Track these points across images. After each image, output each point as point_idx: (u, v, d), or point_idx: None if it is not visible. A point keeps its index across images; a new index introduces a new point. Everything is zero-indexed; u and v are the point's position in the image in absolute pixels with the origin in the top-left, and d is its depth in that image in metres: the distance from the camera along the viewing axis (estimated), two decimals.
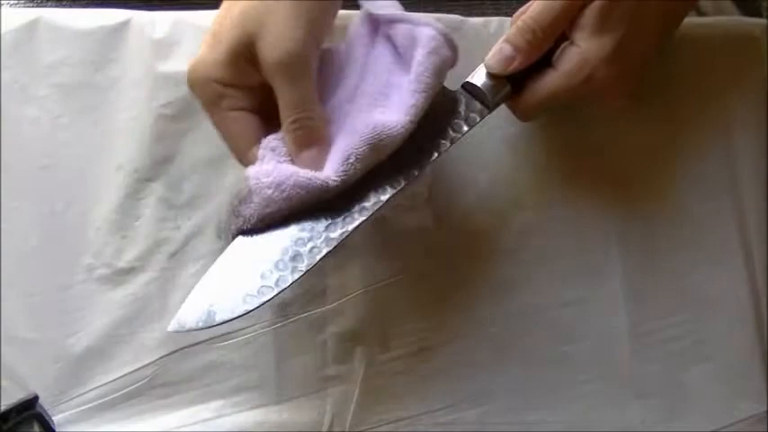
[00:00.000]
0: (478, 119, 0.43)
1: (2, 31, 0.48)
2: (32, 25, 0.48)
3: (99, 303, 0.49)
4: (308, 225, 0.41)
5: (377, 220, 0.43)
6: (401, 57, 0.44)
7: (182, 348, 0.48)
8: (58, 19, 0.48)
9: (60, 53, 0.48)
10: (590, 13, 0.42)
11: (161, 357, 0.48)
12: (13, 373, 0.48)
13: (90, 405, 0.48)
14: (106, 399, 0.48)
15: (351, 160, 0.40)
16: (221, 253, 0.41)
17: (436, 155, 0.42)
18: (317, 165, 0.41)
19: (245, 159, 0.42)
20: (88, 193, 0.49)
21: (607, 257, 0.51)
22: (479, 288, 0.50)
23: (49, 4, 0.50)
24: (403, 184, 0.42)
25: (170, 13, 0.49)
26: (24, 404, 0.46)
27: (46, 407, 0.47)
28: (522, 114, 0.45)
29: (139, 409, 0.48)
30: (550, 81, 0.43)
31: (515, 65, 0.42)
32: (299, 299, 0.48)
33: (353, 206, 0.41)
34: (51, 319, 0.48)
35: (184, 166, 0.49)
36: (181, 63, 0.48)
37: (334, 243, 0.40)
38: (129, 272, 0.49)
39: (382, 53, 0.44)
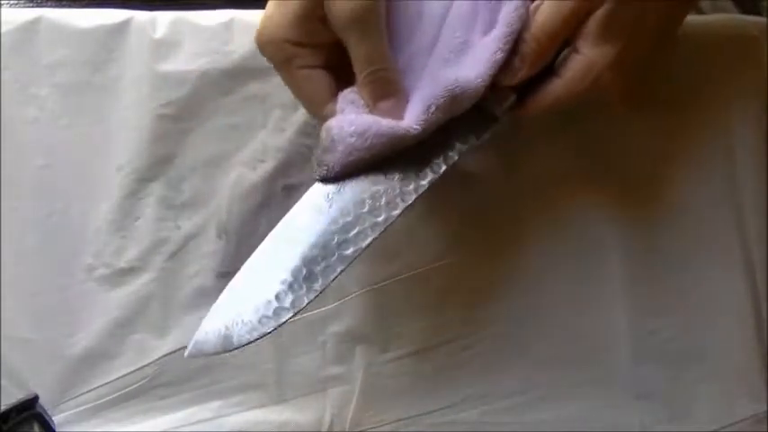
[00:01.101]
0: (486, 129, 0.43)
1: (2, 31, 0.47)
2: (32, 25, 0.48)
3: (99, 303, 0.49)
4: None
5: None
6: (480, 14, 0.43)
7: (182, 348, 0.48)
8: (58, 19, 0.48)
9: (60, 53, 0.48)
10: (594, 22, 0.42)
11: (161, 357, 0.48)
12: (13, 373, 0.48)
13: (90, 405, 0.48)
14: (106, 399, 0.48)
15: (432, 109, 0.40)
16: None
17: (445, 167, 0.42)
18: (396, 115, 0.41)
19: (320, 117, 0.42)
20: (88, 193, 0.49)
21: (607, 258, 0.51)
22: (479, 288, 0.50)
23: (49, 3, 0.50)
24: (414, 196, 0.41)
25: (170, 12, 0.49)
26: (24, 404, 0.46)
27: (46, 407, 0.47)
28: (528, 115, 0.45)
29: (139, 409, 0.49)
30: (555, 89, 0.43)
31: (522, 75, 0.42)
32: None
33: (364, 222, 0.41)
34: (51, 319, 0.48)
35: (184, 166, 0.49)
36: (181, 63, 0.48)
37: (347, 261, 0.40)
38: (129, 272, 0.49)
39: (462, 9, 0.43)
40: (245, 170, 0.49)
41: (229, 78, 0.48)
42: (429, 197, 0.46)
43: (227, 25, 0.48)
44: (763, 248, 0.52)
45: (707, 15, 0.55)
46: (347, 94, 0.42)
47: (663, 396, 0.51)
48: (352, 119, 0.40)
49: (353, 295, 0.49)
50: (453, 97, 0.40)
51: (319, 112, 0.42)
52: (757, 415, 0.52)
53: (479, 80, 0.41)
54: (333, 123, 0.41)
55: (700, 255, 0.52)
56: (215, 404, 0.49)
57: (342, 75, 0.42)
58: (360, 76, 0.41)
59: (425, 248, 0.49)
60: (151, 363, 0.48)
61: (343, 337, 0.49)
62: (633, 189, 0.51)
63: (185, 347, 0.48)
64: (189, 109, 0.48)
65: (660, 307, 0.51)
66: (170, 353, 0.48)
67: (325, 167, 0.41)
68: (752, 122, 0.52)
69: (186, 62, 0.48)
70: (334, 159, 0.41)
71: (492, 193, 0.50)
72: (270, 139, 0.49)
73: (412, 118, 0.41)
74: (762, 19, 0.54)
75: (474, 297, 0.50)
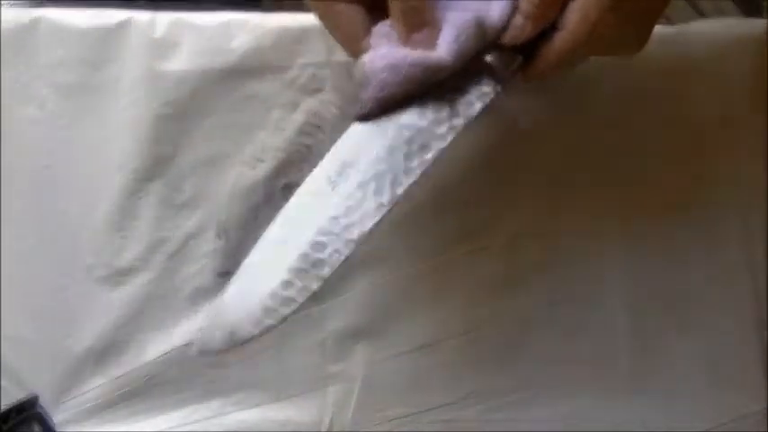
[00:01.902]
0: (492, 95, 0.42)
1: (2, 31, 0.48)
2: (32, 25, 0.48)
3: (99, 303, 0.48)
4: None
5: None
6: None
7: (182, 347, 0.48)
8: (58, 19, 0.48)
9: (60, 53, 0.48)
10: None
11: (161, 357, 0.48)
12: (13, 373, 0.48)
13: (90, 405, 0.48)
14: (106, 399, 0.48)
15: (462, 38, 0.40)
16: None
17: (450, 138, 0.41)
18: (429, 46, 0.40)
19: (356, 52, 0.41)
20: (88, 193, 0.49)
21: (608, 256, 0.51)
22: (480, 285, 0.50)
23: (49, 3, 0.50)
24: (416, 174, 0.40)
25: (170, 13, 0.49)
26: (24, 404, 0.46)
27: (46, 407, 0.47)
28: (535, 81, 0.44)
29: (139, 409, 0.49)
30: (557, 41, 0.42)
31: (527, 33, 0.41)
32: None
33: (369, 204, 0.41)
34: (51, 319, 0.48)
35: (184, 165, 0.49)
36: (180, 63, 0.48)
37: (352, 245, 0.39)
38: (129, 272, 0.49)
39: None
40: (244, 170, 0.49)
41: (229, 78, 0.48)
42: (430, 192, 0.46)
43: (227, 25, 0.48)
44: (764, 247, 0.52)
45: (707, 17, 0.55)
46: (380, 28, 0.41)
47: (663, 395, 0.51)
48: (384, 53, 0.40)
49: (353, 292, 0.49)
50: (481, 24, 0.40)
51: (354, 48, 0.42)
52: (757, 414, 0.52)
53: (506, 6, 0.40)
54: (366, 59, 0.40)
55: (702, 253, 0.51)
56: (215, 403, 0.49)
57: (377, 14, 0.41)
58: (392, 6, 0.40)
59: (425, 245, 0.49)
60: (151, 362, 0.48)
61: (343, 335, 0.49)
62: (636, 189, 0.51)
63: (185, 346, 0.48)
64: (188, 109, 0.48)
65: (661, 306, 0.51)
66: (170, 352, 0.48)
67: (359, 104, 0.40)
68: (753, 124, 0.52)
69: (186, 62, 0.48)
70: (367, 95, 0.40)
71: (493, 189, 0.50)
72: (269, 139, 0.49)
73: (444, 49, 0.40)
74: (763, 20, 0.54)
75: (474, 294, 0.50)
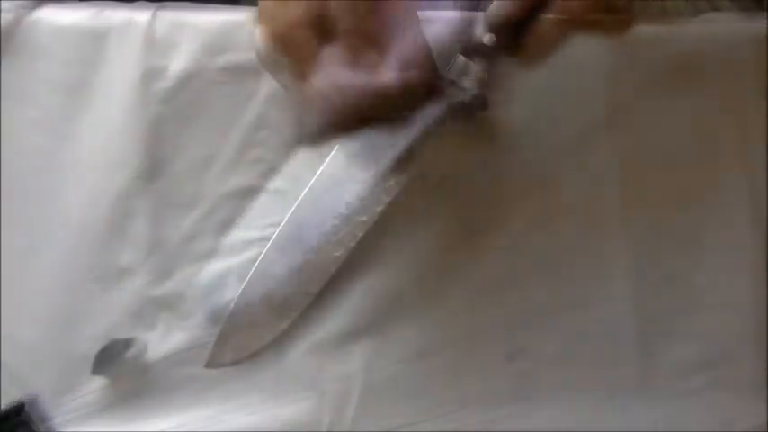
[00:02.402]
0: (481, 75, 0.42)
1: (2, 31, 0.48)
2: (32, 25, 0.48)
3: (99, 303, 0.49)
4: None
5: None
6: None
7: (181, 348, 0.48)
8: (58, 19, 0.48)
9: (60, 53, 0.48)
10: None
11: (161, 357, 0.48)
12: (13, 373, 0.48)
13: (90, 405, 0.48)
14: (106, 399, 0.48)
15: (411, 62, 0.39)
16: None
17: (436, 113, 0.41)
18: (376, 70, 0.40)
19: (305, 74, 0.41)
20: (88, 193, 0.49)
21: (613, 259, 0.50)
22: (481, 287, 0.50)
23: (49, 3, 0.50)
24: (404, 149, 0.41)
25: (170, 12, 0.49)
26: (23, 405, 0.46)
27: (46, 407, 0.47)
28: (528, 66, 0.44)
29: (139, 410, 0.49)
30: (545, 24, 0.42)
31: (515, 11, 0.41)
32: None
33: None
34: (51, 319, 0.48)
35: (183, 165, 0.49)
36: (180, 63, 0.48)
37: (335, 219, 0.39)
38: (129, 272, 0.49)
39: None
40: (244, 170, 0.49)
41: (229, 78, 0.48)
42: (430, 193, 0.45)
43: (227, 25, 0.49)
44: (766, 248, 0.52)
45: (708, 20, 0.55)
46: (328, 52, 0.40)
47: (663, 395, 0.51)
48: (330, 77, 0.40)
49: (353, 293, 0.49)
50: (437, 43, 0.40)
51: (304, 70, 0.41)
52: (758, 415, 0.51)
53: (451, 25, 0.40)
54: (312, 81, 0.40)
55: (711, 259, 0.51)
56: (214, 405, 0.49)
57: (328, 37, 0.41)
58: (341, 30, 0.40)
59: (425, 246, 0.49)
60: (151, 362, 0.48)
61: (343, 336, 0.49)
62: (636, 188, 0.51)
63: (185, 347, 0.48)
64: (188, 109, 0.48)
65: (663, 306, 0.51)
66: (170, 353, 0.48)
67: (306, 129, 0.41)
68: (754, 123, 0.52)
69: (186, 62, 0.48)
70: (312, 120, 0.40)
71: (493, 190, 0.50)
72: (269, 139, 0.49)
73: (390, 73, 0.39)
74: (762, 21, 0.54)
75: (475, 295, 0.50)
